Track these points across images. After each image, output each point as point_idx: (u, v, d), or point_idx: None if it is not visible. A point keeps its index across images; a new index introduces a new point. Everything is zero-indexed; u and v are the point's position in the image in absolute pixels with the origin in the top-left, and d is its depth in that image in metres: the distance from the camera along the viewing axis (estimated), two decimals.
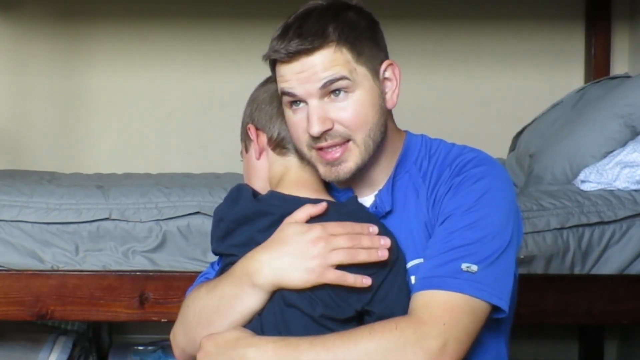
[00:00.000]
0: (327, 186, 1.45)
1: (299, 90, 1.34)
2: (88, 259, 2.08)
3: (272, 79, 1.43)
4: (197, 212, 2.09)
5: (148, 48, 3.27)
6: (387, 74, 1.40)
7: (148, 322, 2.12)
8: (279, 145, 1.44)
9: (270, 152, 1.45)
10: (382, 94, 1.39)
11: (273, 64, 1.39)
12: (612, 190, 2.23)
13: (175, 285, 2.04)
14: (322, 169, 1.38)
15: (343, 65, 1.33)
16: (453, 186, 1.35)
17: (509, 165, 2.81)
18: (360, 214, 1.37)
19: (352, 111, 1.34)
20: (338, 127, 1.35)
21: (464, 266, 1.27)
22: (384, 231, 1.35)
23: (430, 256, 1.32)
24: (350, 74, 1.33)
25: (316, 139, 1.35)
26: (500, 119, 3.26)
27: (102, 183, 2.46)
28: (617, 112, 2.41)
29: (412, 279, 1.34)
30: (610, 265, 2.15)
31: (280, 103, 1.42)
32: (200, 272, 1.60)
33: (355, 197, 1.41)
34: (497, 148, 2.87)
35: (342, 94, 1.34)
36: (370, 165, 1.41)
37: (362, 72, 1.35)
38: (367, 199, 1.42)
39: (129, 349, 2.81)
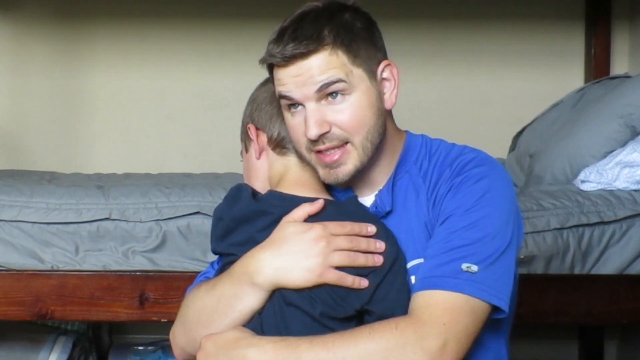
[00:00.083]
0: (328, 186, 1.45)
1: (296, 94, 1.35)
2: (88, 259, 2.08)
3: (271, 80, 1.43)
4: (197, 212, 2.09)
5: (148, 48, 3.27)
6: (385, 75, 1.39)
7: (148, 322, 2.12)
8: (279, 145, 1.44)
9: (270, 152, 1.45)
10: (381, 94, 1.39)
11: (270, 67, 1.39)
12: (612, 190, 2.23)
13: (175, 285, 2.03)
14: (321, 172, 1.38)
15: (339, 68, 1.33)
16: (453, 186, 1.35)
17: (509, 165, 2.81)
18: (359, 214, 1.37)
19: (349, 114, 1.34)
20: (335, 130, 1.35)
21: (464, 266, 1.27)
22: (384, 231, 1.35)
23: (431, 256, 1.32)
24: (347, 77, 1.33)
25: (314, 141, 1.35)
26: (500, 119, 3.26)
27: (102, 183, 2.46)
28: (617, 112, 2.41)
29: (412, 278, 1.34)
30: (610, 265, 2.15)
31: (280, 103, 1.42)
32: (200, 272, 1.60)
33: (355, 197, 1.41)
34: (497, 148, 2.87)
35: (339, 96, 1.34)
36: (370, 166, 1.41)
37: (358, 74, 1.35)
38: (367, 199, 1.43)
39: (129, 349, 2.81)
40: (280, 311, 1.30)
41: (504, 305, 1.29)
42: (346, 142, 1.36)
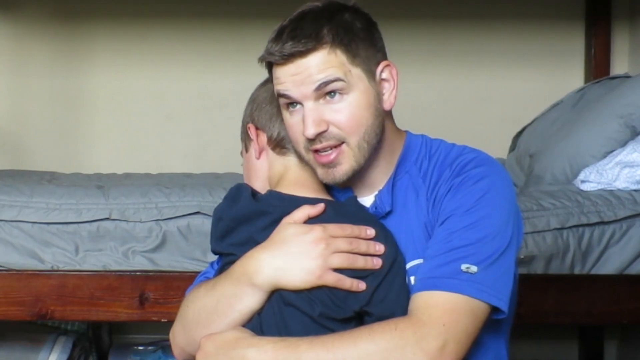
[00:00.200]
0: (327, 186, 1.45)
1: (294, 93, 1.35)
2: (88, 259, 2.08)
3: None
4: (197, 212, 2.09)
5: (148, 48, 3.27)
6: (384, 75, 1.39)
7: (148, 322, 2.12)
8: (279, 144, 1.44)
9: (270, 152, 1.45)
10: (379, 95, 1.39)
11: (269, 66, 1.39)
12: (612, 190, 2.23)
13: (175, 285, 2.03)
14: (319, 172, 1.38)
15: (337, 67, 1.33)
16: (453, 186, 1.35)
17: (509, 165, 2.81)
18: (359, 214, 1.37)
19: (347, 113, 1.34)
20: (333, 129, 1.35)
21: (463, 267, 1.27)
22: (383, 232, 1.35)
23: (430, 257, 1.32)
24: (345, 76, 1.33)
25: (311, 140, 1.35)
26: (500, 119, 3.26)
27: (102, 183, 2.46)
28: (617, 112, 2.41)
29: (412, 279, 1.34)
30: (610, 265, 2.15)
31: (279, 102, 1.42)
32: (200, 272, 1.60)
33: (355, 197, 1.41)
34: (497, 148, 2.87)
35: (337, 95, 1.34)
36: (370, 166, 1.41)
37: (357, 74, 1.35)
38: (367, 199, 1.42)
39: (129, 349, 2.82)
40: (279, 311, 1.30)
41: (504, 305, 1.29)
42: (342, 142, 1.36)
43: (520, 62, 3.28)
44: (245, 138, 1.49)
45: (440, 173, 1.38)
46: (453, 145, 1.44)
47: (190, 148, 3.29)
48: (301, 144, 1.38)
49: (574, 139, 2.49)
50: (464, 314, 1.25)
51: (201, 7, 3.28)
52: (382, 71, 1.39)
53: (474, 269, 1.27)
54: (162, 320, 2.06)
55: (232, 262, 1.36)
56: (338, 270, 1.29)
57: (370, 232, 1.33)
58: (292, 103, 1.37)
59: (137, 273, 2.06)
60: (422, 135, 1.47)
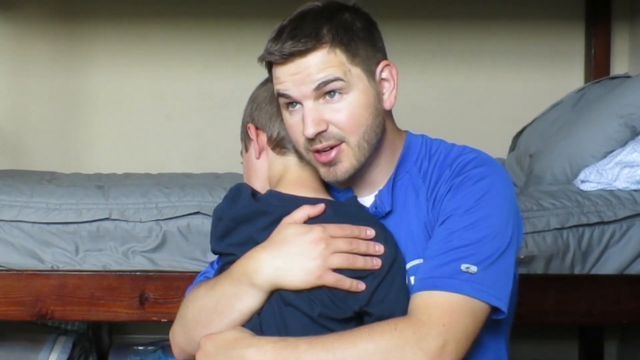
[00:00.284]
0: (327, 186, 1.45)
1: (293, 92, 1.35)
2: (88, 259, 2.08)
3: None
4: (197, 212, 2.09)
5: (148, 48, 3.27)
6: (384, 75, 1.39)
7: (148, 322, 2.12)
8: (279, 144, 1.44)
9: (270, 152, 1.45)
10: (379, 94, 1.39)
11: (269, 65, 1.39)
12: (612, 190, 2.23)
13: (175, 285, 2.03)
14: (321, 170, 1.39)
15: (337, 67, 1.33)
16: (453, 187, 1.35)
17: (509, 165, 2.81)
18: (359, 214, 1.37)
19: (346, 113, 1.34)
20: (332, 129, 1.35)
21: (463, 267, 1.27)
22: (382, 232, 1.35)
23: (430, 257, 1.32)
24: (345, 75, 1.33)
25: (311, 140, 1.35)
26: (500, 119, 3.26)
27: (102, 183, 2.46)
28: (617, 112, 2.41)
29: (412, 279, 1.34)
30: (610, 265, 2.15)
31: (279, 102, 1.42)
32: (199, 272, 1.60)
33: (355, 197, 1.41)
34: (497, 148, 2.87)
35: (336, 95, 1.34)
36: (370, 166, 1.41)
37: (356, 74, 1.35)
38: (367, 199, 1.42)
39: (129, 349, 2.82)
40: (279, 311, 1.30)
41: (503, 305, 1.29)
42: (341, 142, 1.35)
43: (520, 62, 3.28)
44: (245, 138, 1.49)
45: (440, 173, 1.38)
46: (453, 145, 1.44)
47: (190, 148, 3.29)
48: (301, 144, 1.38)
49: (574, 139, 2.49)
50: (463, 314, 1.25)
51: (201, 7, 3.28)
52: (382, 71, 1.39)
53: (473, 269, 1.27)
54: (162, 320, 2.06)
55: (232, 262, 1.36)
56: (338, 270, 1.29)
57: (370, 232, 1.33)
58: (292, 103, 1.37)
59: (137, 273, 2.06)
60: (422, 135, 1.47)
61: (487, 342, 1.35)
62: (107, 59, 3.27)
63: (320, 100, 1.35)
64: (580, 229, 2.14)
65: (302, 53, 1.33)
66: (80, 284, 2.05)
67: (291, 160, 1.44)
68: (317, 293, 1.29)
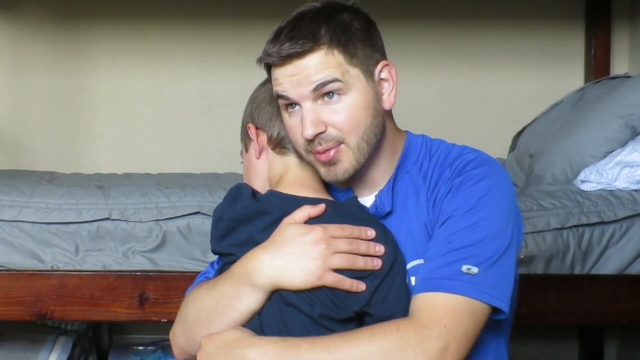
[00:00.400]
0: (328, 186, 1.45)
1: (292, 93, 1.35)
2: (88, 259, 2.08)
3: None
4: (197, 212, 2.09)
5: (148, 48, 3.27)
6: (383, 75, 1.39)
7: (148, 322, 2.12)
8: (279, 144, 1.44)
9: (270, 152, 1.45)
10: (378, 95, 1.38)
11: (268, 67, 1.39)
12: (612, 190, 2.23)
13: (175, 285, 2.03)
14: (321, 170, 1.38)
15: (335, 68, 1.33)
16: (453, 187, 1.35)
17: (509, 165, 2.81)
18: (359, 214, 1.37)
19: (345, 114, 1.34)
20: (331, 131, 1.35)
21: (464, 268, 1.27)
22: (383, 232, 1.35)
23: (431, 258, 1.32)
24: (343, 76, 1.33)
25: (311, 142, 1.35)
26: (500, 119, 3.26)
27: (102, 183, 2.46)
28: (617, 112, 2.41)
29: (412, 280, 1.34)
30: (610, 265, 2.15)
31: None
32: (200, 272, 1.60)
33: (355, 198, 1.41)
34: (497, 148, 2.87)
35: (335, 96, 1.34)
36: (370, 166, 1.41)
37: (355, 74, 1.35)
38: (367, 199, 1.42)
39: (129, 349, 2.82)
40: (279, 311, 1.30)
41: (505, 306, 1.29)
42: (341, 143, 1.35)
43: (520, 62, 3.28)
44: (245, 138, 1.49)
45: (440, 173, 1.38)
46: (453, 145, 1.43)
47: (190, 148, 3.29)
48: (301, 145, 1.38)
49: (574, 139, 2.49)
50: (465, 316, 1.25)
51: (201, 7, 3.28)
52: (381, 71, 1.39)
53: (474, 270, 1.27)
54: (162, 320, 2.06)
55: (232, 262, 1.36)
56: (338, 270, 1.29)
57: (371, 232, 1.33)
58: (291, 104, 1.37)
59: (137, 273, 2.06)
60: (423, 136, 1.46)
61: (487, 343, 1.35)
62: (107, 59, 3.27)
63: (319, 102, 1.34)
64: (580, 229, 2.14)
65: (300, 54, 1.32)
66: (80, 284, 2.05)
67: (291, 160, 1.44)
68: (318, 293, 1.29)
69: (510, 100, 3.27)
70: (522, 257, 2.05)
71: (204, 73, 3.28)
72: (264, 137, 1.46)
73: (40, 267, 2.07)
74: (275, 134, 1.44)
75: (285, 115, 1.39)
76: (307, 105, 1.34)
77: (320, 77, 1.32)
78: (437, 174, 1.39)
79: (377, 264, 1.31)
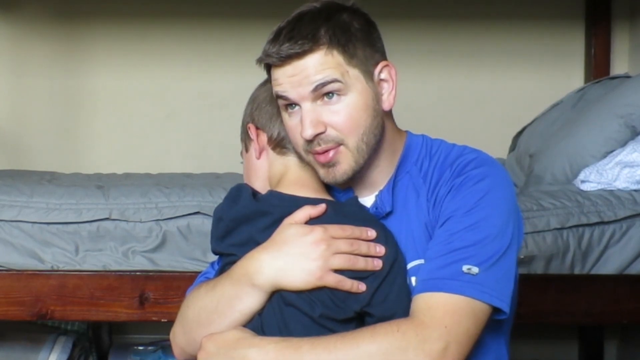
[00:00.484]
0: (328, 186, 1.45)
1: (291, 94, 1.35)
2: (88, 259, 2.08)
3: None
4: (197, 212, 2.09)
5: (148, 48, 3.27)
6: (383, 75, 1.39)
7: (148, 322, 2.12)
8: (279, 144, 1.44)
9: (270, 152, 1.45)
10: (378, 95, 1.38)
11: (268, 67, 1.39)
12: (612, 190, 2.23)
13: (175, 285, 2.03)
14: (320, 171, 1.38)
15: (334, 68, 1.33)
16: (454, 187, 1.35)
17: (509, 165, 2.81)
18: (359, 214, 1.37)
19: (344, 115, 1.34)
20: (331, 132, 1.35)
21: (464, 268, 1.27)
22: (383, 232, 1.35)
23: (431, 258, 1.32)
24: (342, 77, 1.33)
25: (310, 142, 1.35)
26: (500, 119, 3.26)
27: (102, 183, 2.46)
28: (617, 112, 2.41)
29: (413, 280, 1.34)
30: (610, 265, 2.15)
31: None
32: (200, 272, 1.60)
33: (356, 198, 1.41)
34: (497, 148, 2.87)
35: (334, 96, 1.34)
36: (370, 166, 1.41)
37: (354, 75, 1.35)
38: (367, 200, 1.42)
39: (129, 349, 2.82)
40: (280, 312, 1.30)
41: (505, 306, 1.29)
42: (340, 144, 1.35)
43: (520, 62, 3.28)
44: (246, 138, 1.49)
45: (440, 173, 1.38)
46: (453, 145, 1.43)
47: (190, 148, 3.29)
48: (300, 146, 1.38)
49: (574, 139, 2.49)
50: (465, 316, 1.25)
51: (201, 7, 3.27)
52: (380, 71, 1.38)
53: (475, 270, 1.27)
54: (162, 320, 2.06)
55: (232, 263, 1.36)
56: (338, 271, 1.29)
57: (371, 233, 1.33)
58: (291, 104, 1.37)
59: (137, 273, 2.06)
60: (423, 136, 1.46)
61: (488, 343, 1.35)
62: (107, 59, 3.27)
63: (318, 102, 1.34)
64: (580, 229, 2.14)
65: (299, 55, 1.32)
66: (80, 284, 2.05)
67: (291, 160, 1.44)
68: (318, 294, 1.29)
69: (510, 100, 3.27)
70: (522, 257, 2.05)
71: (204, 73, 3.28)
72: (264, 137, 1.46)
73: (40, 267, 2.07)
74: (275, 134, 1.44)
75: (285, 115, 1.39)
76: (307, 106, 1.34)
77: (319, 78, 1.32)
78: (437, 174, 1.39)
79: (377, 264, 1.31)
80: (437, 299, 1.26)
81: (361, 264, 1.30)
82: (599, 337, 3.07)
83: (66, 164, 3.16)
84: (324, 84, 1.33)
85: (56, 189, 2.19)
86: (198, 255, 2.09)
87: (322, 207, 1.34)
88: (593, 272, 2.14)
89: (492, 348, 1.38)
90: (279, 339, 1.27)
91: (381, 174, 1.42)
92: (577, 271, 2.13)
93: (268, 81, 1.45)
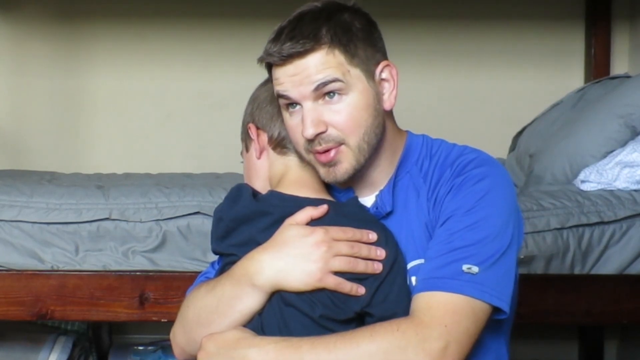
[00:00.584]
0: (328, 186, 1.45)
1: (293, 93, 1.35)
2: (88, 259, 2.08)
3: None
4: (197, 212, 2.09)
5: (148, 48, 3.27)
6: (384, 75, 1.39)
7: (148, 322, 2.12)
8: (280, 144, 1.44)
9: (271, 152, 1.45)
10: (379, 95, 1.38)
11: (269, 66, 1.39)
12: (612, 190, 2.23)
13: (175, 285, 2.03)
14: (321, 171, 1.38)
15: (336, 68, 1.33)
16: (454, 187, 1.35)
17: (509, 165, 2.81)
18: (360, 215, 1.37)
19: (345, 114, 1.34)
20: (332, 131, 1.35)
21: (464, 267, 1.27)
22: (383, 232, 1.35)
23: (431, 257, 1.32)
24: (344, 76, 1.33)
25: (311, 142, 1.35)
26: (500, 119, 3.26)
27: (102, 183, 2.46)
28: (617, 112, 2.41)
29: (413, 279, 1.34)
30: (610, 265, 2.15)
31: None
32: (200, 272, 1.60)
33: (356, 198, 1.41)
34: (497, 148, 2.87)
35: (336, 96, 1.34)
36: (370, 166, 1.41)
37: (355, 74, 1.35)
38: (368, 199, 1.42)
39: (129, 349, 2.82)
40: (280, 312, 1.30)
41: (505, 306, 1.29)
42: (341, 144, 1.35)
43: (520, 62, 3.28)
44: (246, 138, 1.49)
45: (441, 173, 1.38)
46: (454, 145, 1.43)
47: (190, 148, 3.29)
48: (301, 145, 1.38)
49: (574, 139, 2.49)
50: (465, 315, 1.25)
51: (201, 7, 3.27)
52: (381, 71, 1.39)
53: (475, 269, 1.27)
54: (162, 320, 2.06)
55: (232, 263, 1.36)
56: (338, 272, 1.29)
57: (372, 236, 1.33)
58: (292, 104, 1.37)
59: (137, 273, 2.06)
60: (423, 135, 1.46)
61: (488, 342, 1.35)
62: (107, 59, 3.27)
63: (320, 101, 1.34)
64: (580, 229, 2.14)
65: (300, 54, 1.32)
66: (80, 284, 2.05)
67: (292, 160, 1.44)
68: (318, 294, 1.29)
69: (510, 100, 3.27)
70: (522, 257, 2.05)
71: (204, 73, 3.28)
72: (264, 137, 1.46)
73: (40, 267, 2.07)
74: (275, 134, 1.44)
75: (285, 115, 1.40)
76: (308, 105, 1.34)
77: (321, 77, 1.32)
78: (437, 173, 1.39)
79: (377, 267, 1.31)
80: (437, 298, 1.26)
81: (361, 267, 1.30)
82: (599, 337, 3.07)
83: (66, 164, 3.16)
84: (325, 84, 1.33)
85: (56, 189, 2.19)
86: (198, 255, 2.09)
87: (323, 209, 1.34)
88: (593, 272, 2.14)
89: (492, 348, 1.38)
90: (279, 338, 1.27)
91: (381, 174, 1.42)
92: (577, 271, 2.13)
93: (268, 81, 1.45)
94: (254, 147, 1.47)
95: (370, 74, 1.37)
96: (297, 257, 1.29)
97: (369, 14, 1.41)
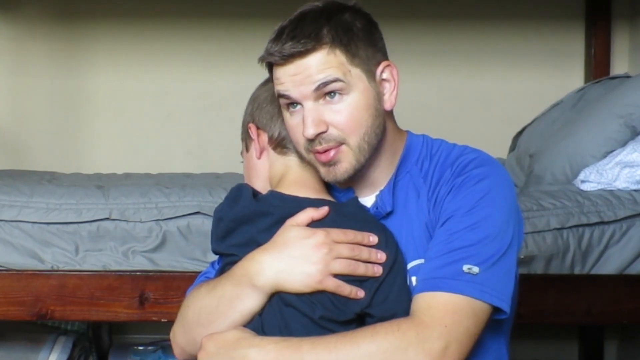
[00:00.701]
0: (328, 186, 1.45)
1: (293, 93, 1.35)
2: (88, 259, 2.08)
3: None
4: (197, 212, 2.09)
5: (148, 48, 3.27)
6: (385, 75, 1.39)
7: (148, 322, 2.12)
8: (280, 144, 1.44)
9: (271, 152, 1.45)
10: (379, 95, 1.38)
11: (270, 66, 1.39)
12: (612, 190, 2.23)
13: (175, 285, 2.03)
14: (321, 170, 1.38)
15: (337, 67, 1.33)
16: (454, 187, 1.35)
17: (509, 165, 2.81)
18: (360, 215, 1.37)
19: (346, 114, 1.34)
20: (332, 131, 1.35)
21: (465, 268, 1.27)
22: (384, 233, 1.35)
23: (431, 257, 1.32)
24: (344, 76, 1.33)
25: (311, 141, 1.35)
26: (500, 119, 3.26)
27: (102, 183, 2.46)
28: (617, 112, 2.41)
29: (413, 279, 1.34)
30: (610, 265, 2.15)
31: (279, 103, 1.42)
32: (200, 272, 1.60)
33: (356, 198, 1.41)
34: (497, 148, 2.87)
35: (336, 96, 1.34)
36: (371, 166, 1.41)
37: (356, 74, 1.35)
38: (368, 199, 1.42)
39: (129, 349, 2.81)
40: (280, 312, 1.30)
41: (505, 306, 1.29)
42: (342, 144, 1.35)
43: (520, 62, 3.28)
44: (246, 138, 1.49)
45: (441, 173, 1.38)
46: (454, 145, 1.43)
47: (190, 148, 3.29)
48: (302, 145, 1.38)
49: (574, 139, 2.49)
50: (465, 315, 1.25)
51: (201, 7, 3.28)
52: (382, 71, 1.39)
53: (475, 269, 1.27)
54: (162, 320, 2.06)
55: (233, 263, 1.36)
56: (338, 275, 1.29)
57: (373, 239, 1.32)
58: (292, 103, 1.37)
59: (137, 273, 2.06)
60: (423, 135, 1.46)
61: (488, 343, 1.35)
62: (107, 59, 3.27)
63: (320, 101, 1.34)
64: (580, 229, 2.14)
65: (301, 54, 1.32)
66: (80, 284, 2.05)
67: (292, 160, 1.44)
68: (318, 296, 1.28)
69: (510, 100, 3.28)
70: (522, 257, 2.05)
71: (204, 73, 3.28)
72: (264, 137, 1.46)
73: (40, 267, 2.07)
74: (276, 134, 1.44)
75: (286, 114, 1.39)
76: (309, 105, 1.34)
77: (321, 77, 1.32)
78: (437, 174, 1.39)
79: (377, 270, 1.31)
80: (438, 299, 1.26)
81: (361, 270, 1.30)
82: (599, 337, 3.07)
83: (66, 164, 3.16)
84: (326, 83, 1.33)
85: (56, 189, 2.19)
86: (198, 255, 2.09)
87: (324, 210, 1.33)
88: (593, 272, 2.15)
89: (492, 348, 1.38)
90: (279, 338, 1.27)
91: (382, 174, 1.42)
92: (577, 271, 2.13)
93: (268, 81, 1.45)
94: (254, 147, 1.47)
95: (371, 74, 1.37)
96: (297, 258, 1.29)
97: (370, 14, 1.41)
